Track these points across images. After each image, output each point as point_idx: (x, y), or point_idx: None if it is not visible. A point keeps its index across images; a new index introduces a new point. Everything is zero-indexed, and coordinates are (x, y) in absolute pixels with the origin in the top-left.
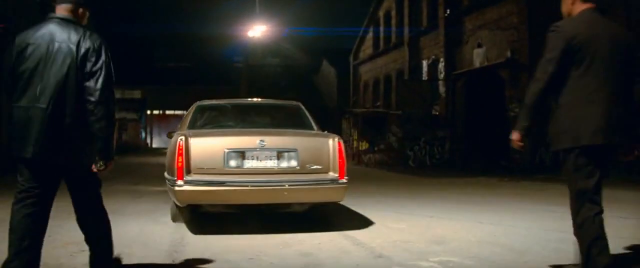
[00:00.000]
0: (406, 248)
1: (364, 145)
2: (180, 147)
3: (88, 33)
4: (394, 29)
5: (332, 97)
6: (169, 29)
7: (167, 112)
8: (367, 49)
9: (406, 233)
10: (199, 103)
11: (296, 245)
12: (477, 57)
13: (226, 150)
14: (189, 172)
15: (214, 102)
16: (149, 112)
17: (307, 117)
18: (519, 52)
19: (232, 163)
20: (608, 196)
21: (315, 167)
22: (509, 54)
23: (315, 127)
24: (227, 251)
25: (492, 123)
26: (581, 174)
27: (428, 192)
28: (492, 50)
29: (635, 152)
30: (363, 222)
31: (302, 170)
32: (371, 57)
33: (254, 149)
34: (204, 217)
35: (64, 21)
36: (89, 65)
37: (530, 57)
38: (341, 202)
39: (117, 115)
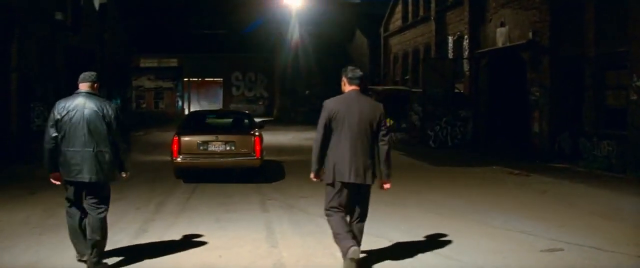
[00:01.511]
0: None
1: (389, 122)
2: (176, 140)
3: (107, 102)
4: (421, 1)
5: (365, 68)
6: None
7: (206, 79)
8: (396, 21)
9: None
10: (192, 111)
11: None
12: (500, 37)
13: (198, 141)
14: (180, 153)
15: (200, 110)
16: (186, 79)
17: (252, 121)
18: (540, 34)
19: (201, 148)
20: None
21: (244, 150)
22: (530, 35)
23: (254, 127)
24: None
25: (514, 104)
26: (334, 198)
27: (425, 191)
28: (514, 30)
29: (386, 186)
30: (314, 247)
31: (237, 152)
32: (400, 30)
33: (213, 141)
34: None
35: (88, 94)
36: (114, 123)
37: (552, 39)
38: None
39: (154, 85)
